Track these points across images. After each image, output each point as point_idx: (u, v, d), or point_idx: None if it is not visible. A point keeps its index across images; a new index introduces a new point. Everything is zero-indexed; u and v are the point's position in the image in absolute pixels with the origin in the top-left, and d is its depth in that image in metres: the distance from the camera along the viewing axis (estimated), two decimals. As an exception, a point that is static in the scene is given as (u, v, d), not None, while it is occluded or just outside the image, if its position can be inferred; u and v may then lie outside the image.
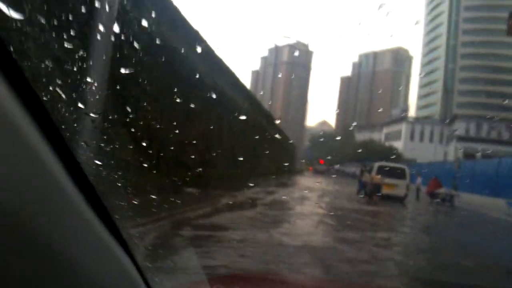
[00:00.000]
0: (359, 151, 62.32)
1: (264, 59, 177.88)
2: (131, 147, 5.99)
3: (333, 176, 54.33)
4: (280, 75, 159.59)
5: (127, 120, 6.93)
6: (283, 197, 16.69)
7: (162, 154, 9.36)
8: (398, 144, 65.34)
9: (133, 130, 6.69)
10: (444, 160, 46.30)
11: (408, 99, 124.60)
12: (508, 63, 73.81)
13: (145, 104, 8.67)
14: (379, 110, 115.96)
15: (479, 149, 55.84)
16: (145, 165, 6.64)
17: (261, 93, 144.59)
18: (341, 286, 2.99)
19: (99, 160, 1.26)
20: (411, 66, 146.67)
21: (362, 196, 19.33)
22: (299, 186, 26.46)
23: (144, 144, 7.89)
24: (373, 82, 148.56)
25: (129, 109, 7.55)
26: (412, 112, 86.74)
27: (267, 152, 24.94)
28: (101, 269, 0.77)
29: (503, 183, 20.79)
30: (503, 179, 21.08)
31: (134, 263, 0.89)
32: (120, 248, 0.83)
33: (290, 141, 46.93)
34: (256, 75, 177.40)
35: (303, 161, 73.30)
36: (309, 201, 15.48)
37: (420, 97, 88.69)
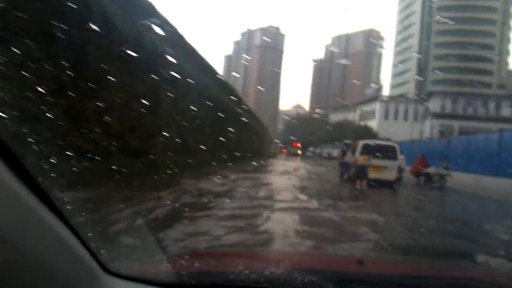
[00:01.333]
0: (334, 132, 60.28)
1: (236, 43, 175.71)
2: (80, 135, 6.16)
3: (309, 158, 52.11)
4: (252, 59, 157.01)
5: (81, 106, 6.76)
6: (246, 184, 13.10)
7: (115, 142, 8.88)
8: (373, 124, 63.58)
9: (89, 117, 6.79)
10: (427, 138, 44.22)
11: (380, 80, 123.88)
12: (481, 38, 72.90)
13: (101, 91, 8.12)
14: (352, 92, 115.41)
15: (455, 126, 54.74)
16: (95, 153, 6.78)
17: (234, 77, 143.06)
18: (310, 257, 2.94)
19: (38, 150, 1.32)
20: (383, 47, 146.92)
21: (345, 179, 16.91)
22: (272, 170, 24.01)
23: (97, 131, 7.67)
24: (346, 64, 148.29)
25: (83, 95, 7.27)
26: (386, 91, 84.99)
27: (238, 136, 24.07)
28: (52, 254, 0.81)
29: (506, 160, 17.82)
30: (508, 156, 17.90)
31: (86, 247, 0.93)
32: (70, 233, 0.87)
33: (263, 125, 44.63)
34: (229, 59, 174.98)
35: (277, 144, 71.51)
36: (283, 191, 11.91)
37: (395, 75, 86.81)
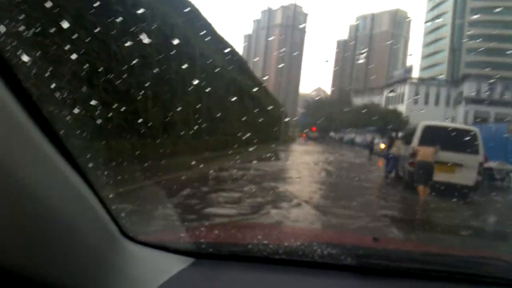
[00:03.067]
0: (357, 116, 56.15)
1: (257, 22, 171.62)
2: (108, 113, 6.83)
3: (330, 144, 48.40)
4: (273, 39, 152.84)
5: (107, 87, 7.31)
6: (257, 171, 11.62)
7: (142, 121, 9.18)
8: (401, 108, 59.01)
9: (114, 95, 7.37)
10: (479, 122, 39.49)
11: (406, 63, 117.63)
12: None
13: (124, 70, 8.24)
14: (377, 74, 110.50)
15: (491, 113, 50.12)
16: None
17: (254, 59, 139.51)
18: (327, 233, 3.07)
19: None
20: (409, 28, 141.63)
21: (391, 180, 12.91)
22: (290, 157, 21.10)
23: (123, 110, 8.14)
24: (371, 45, 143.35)
25: (108, 75, 7.55)
26: (415, 73, 79.13)
27: (256, 119, 23.16)
28: (74, 214, 0.84)
29: None
30: None
31: (106, 208, 0.97)
32: (91, 192, 0.90)
33: (281, 109, 41.75)
34: (248, 39, 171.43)
35: (296, 128, 68.26)
36: (300, 192, 8.75)
37: (424, 56, 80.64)
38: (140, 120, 9.16)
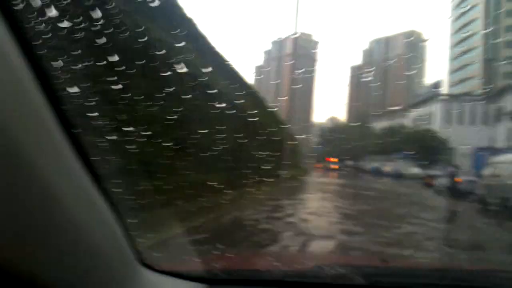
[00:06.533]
0: (381, 142, 47.89)
1: (267, 53, 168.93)
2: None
3: (353, 176, 40.02)
4: (284, 69, 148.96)
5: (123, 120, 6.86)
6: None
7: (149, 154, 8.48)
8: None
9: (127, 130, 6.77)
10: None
11: (424, 84, 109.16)
12: None
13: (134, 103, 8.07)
14: (394, 99, 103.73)
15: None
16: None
17: (266, 88, 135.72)
18: (336, 256, 3.70)
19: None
20: (425, 49, 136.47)
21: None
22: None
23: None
24: (387, 69, 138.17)
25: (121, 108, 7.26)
26: (444, 91, 69.64)
27: (263, 153, 19.48)
28: (97, 237, 0.87)
29: None
30: None
31: (126, 234, 1.00)
32: (114, 217, 0.94)
33: (295, 141, 37.00)
34: (259, 70, 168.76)
35: (310, 159, 60.78)
36: None
37: (453, 71, 71.92)
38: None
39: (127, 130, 6.80)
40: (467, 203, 15.76)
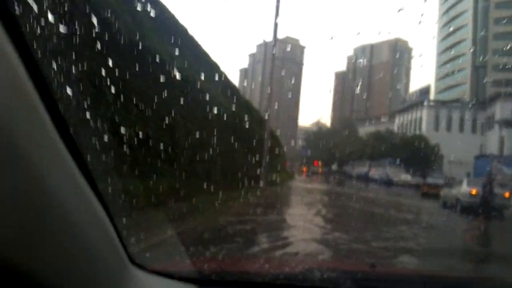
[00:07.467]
0: (371, 146, 46.53)
1: (252, 56, 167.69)
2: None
3: (338, 181, 38.42)
4: (269, 72, 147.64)
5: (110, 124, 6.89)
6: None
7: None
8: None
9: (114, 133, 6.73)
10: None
11: (409, 91, 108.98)
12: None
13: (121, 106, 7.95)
14: (378, 106, 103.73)
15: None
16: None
17: (250, 92, 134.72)
18: (326, 260, 3.68)
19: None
20: (411, 58, 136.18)
21: None
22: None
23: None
24: (371, 76, 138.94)
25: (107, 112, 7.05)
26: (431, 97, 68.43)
27: (248, 157, 18.39)
28: (91, 237, 0.88)
29: None
30: None
31: (118, 234, 1.01)
32: (107, 217, 0.95)
33: (280, 145, 35.94)
34: (244, 73, 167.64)
35: (296, 163, 59.47)
36: None
37: (440, 78, 71.08)
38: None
39: (121, 132, 6.64)
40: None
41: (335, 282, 1.40)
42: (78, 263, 0.83)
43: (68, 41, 4.72)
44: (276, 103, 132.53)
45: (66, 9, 4.63)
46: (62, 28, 3.34)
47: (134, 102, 8.41)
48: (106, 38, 6.81)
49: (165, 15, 13.59)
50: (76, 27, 4.91)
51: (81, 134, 0.94)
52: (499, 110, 45.31)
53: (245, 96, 33.13)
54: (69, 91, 0.94)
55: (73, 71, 3.92)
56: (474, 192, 14.71)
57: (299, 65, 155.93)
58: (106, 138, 5.15)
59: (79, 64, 5.21)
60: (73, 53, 4.69)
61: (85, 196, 0.84)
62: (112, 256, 0.97)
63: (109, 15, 7.77)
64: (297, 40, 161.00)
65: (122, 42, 7.92)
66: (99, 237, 0.91)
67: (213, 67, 18.64)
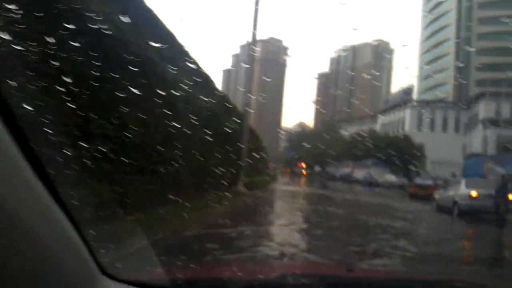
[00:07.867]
0: (350, 147, 45.64)
1: (235, 56, 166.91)
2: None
3: (322, 183, 37.43)
4: (253, 73, 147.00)
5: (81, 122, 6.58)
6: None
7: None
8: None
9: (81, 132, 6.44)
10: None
11: (390, 92, 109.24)
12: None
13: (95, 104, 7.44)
14: (360, 106, 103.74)
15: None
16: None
17: (233, 92, 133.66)
18: (302, 265, 3.45)
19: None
20: (392, 59, 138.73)
21: None
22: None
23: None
24: (354, 77, 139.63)
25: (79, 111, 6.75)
26: (415, 97, 67.80)
27: (229, 159, 17.06)
28: (56, 249, 0.86)
29: None
30: None
31: (86, 245, 0.99)
32: (73, 228, 0.93)
33: (263, 146, 34.49)
34: (227, 73, 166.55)
35: (279, 165, 58.59)
36: None
37: (424, 77, 70.57)
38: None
39: (85, 145, 6.30)
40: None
41: (310, 287, 1.36)
42: (46, 277, 0.80)
43: (27, 55, 4.46)
44: (259, 104, 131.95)
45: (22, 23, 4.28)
46: (18, 45, 3.00)
47: (98, 104, 7.62)
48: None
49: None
50: (35, 41, 4.62)
51: (42, 147, 0.90)
52: (483, 110, 45.00)
53: (227, 97, 31.97)
54: (28, 105, 0.90)
55: (33, 85, 3.64)
56: (474, 194, 13.53)
57: (282, 66, 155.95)
58: (69, 147, 4.81)
59: (39, 78, 4.77)
60: (32, 67, 4.33)
61: (49, 209, 0.81)
62: (80, 268, 0.95)
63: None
64: (280, 41, 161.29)
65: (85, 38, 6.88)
66: (67, 250, 0.88)
67: (192, 67, 16.95)
